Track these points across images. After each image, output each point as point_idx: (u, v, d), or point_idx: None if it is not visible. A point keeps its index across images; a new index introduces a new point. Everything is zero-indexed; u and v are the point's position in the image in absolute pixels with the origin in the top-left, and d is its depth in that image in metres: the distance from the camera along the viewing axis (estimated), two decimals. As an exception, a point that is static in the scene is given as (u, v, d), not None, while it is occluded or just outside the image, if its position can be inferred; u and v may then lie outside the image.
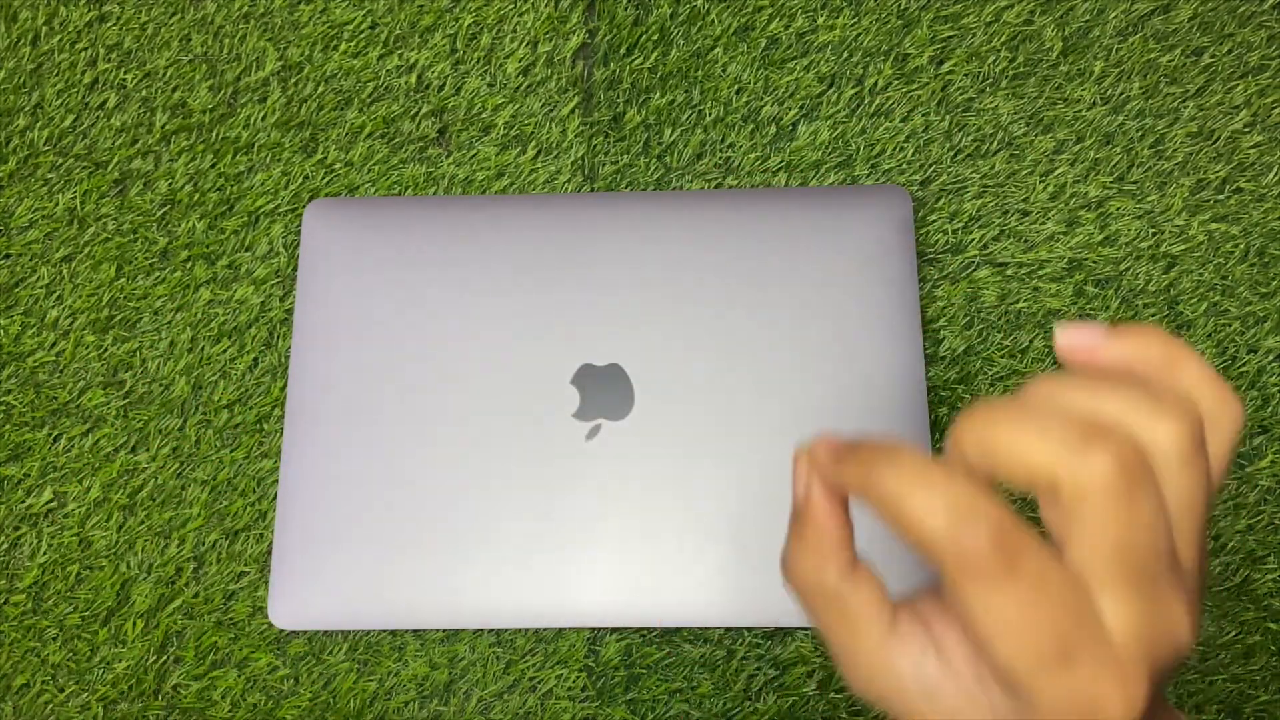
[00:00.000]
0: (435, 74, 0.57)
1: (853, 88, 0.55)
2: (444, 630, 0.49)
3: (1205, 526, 0.24)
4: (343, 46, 0.57)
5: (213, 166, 0.56)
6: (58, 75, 0.57)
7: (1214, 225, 0.53)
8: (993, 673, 0.23)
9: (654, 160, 0.55)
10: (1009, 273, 0.52)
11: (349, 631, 0.49)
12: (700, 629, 0.48)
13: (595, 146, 0.55)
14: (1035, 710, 0.22)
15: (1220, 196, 0.53)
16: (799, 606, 0.27)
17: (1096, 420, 0.22)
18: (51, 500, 0.51)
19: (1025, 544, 0.21)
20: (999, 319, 0.52)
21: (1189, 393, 0.24)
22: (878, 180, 0.54)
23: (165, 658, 0.49)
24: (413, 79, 0.57)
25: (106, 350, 0.53)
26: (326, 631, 0.49)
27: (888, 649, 0.25)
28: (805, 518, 0.26)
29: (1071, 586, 0.21)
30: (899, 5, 0.56)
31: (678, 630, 0.48)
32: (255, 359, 0.53)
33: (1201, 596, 0.25)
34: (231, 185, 0.55)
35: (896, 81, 0.55)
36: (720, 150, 0.55)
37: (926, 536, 0.21)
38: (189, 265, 0.54)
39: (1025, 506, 0.45)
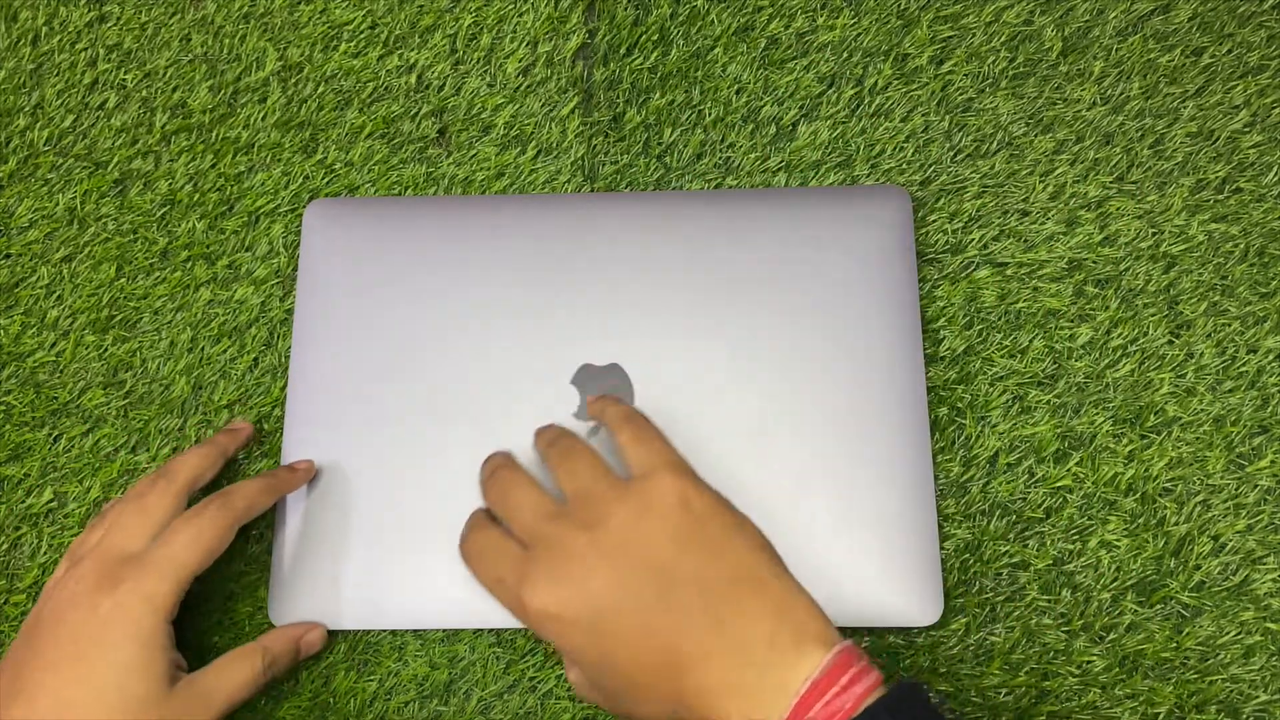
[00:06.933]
0: (435, 74, 0.57)
1: (852, 88, 0.55)
2: (444, 630, 0.49)
3: None
4: (343, 46, 0.57)
5: (213, 166, 0.56)
6: (58, 75, 0.58)
7: (1214, 225, 0.53)
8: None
9: (654, 160, 0.55)
10: (1009, 273, 0.52)
11: (349, 631, 0.49)
12: (700, 629, 0.48)
13: (595, 146, 0.55)
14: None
15: (1220, 196, 0.53)
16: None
17: None
18: (51, 500, 0.51)
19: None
20: (999, 319, 0.52)
21: None
22: (877, 180, 0.54)
23: (165, 658, 0.49)
24: (413, 79, 0.57)
25: (106, 350, 0.53)
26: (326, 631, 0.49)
27: None
28: None
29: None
30: (899, 5, 0.56)
31: (678, 630, 0.48)
32: (255, 359, 0.53)
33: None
34: (231, 185, 0.55)
35: (896, 81, 0.55)
36: (720, 150, 0.55)
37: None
38: (189, 265, 0.54)
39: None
